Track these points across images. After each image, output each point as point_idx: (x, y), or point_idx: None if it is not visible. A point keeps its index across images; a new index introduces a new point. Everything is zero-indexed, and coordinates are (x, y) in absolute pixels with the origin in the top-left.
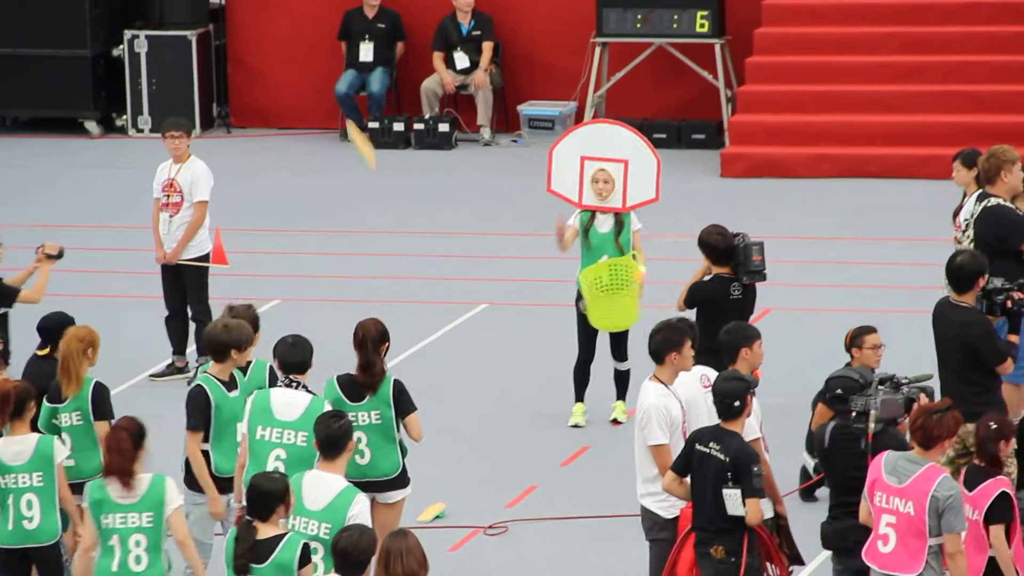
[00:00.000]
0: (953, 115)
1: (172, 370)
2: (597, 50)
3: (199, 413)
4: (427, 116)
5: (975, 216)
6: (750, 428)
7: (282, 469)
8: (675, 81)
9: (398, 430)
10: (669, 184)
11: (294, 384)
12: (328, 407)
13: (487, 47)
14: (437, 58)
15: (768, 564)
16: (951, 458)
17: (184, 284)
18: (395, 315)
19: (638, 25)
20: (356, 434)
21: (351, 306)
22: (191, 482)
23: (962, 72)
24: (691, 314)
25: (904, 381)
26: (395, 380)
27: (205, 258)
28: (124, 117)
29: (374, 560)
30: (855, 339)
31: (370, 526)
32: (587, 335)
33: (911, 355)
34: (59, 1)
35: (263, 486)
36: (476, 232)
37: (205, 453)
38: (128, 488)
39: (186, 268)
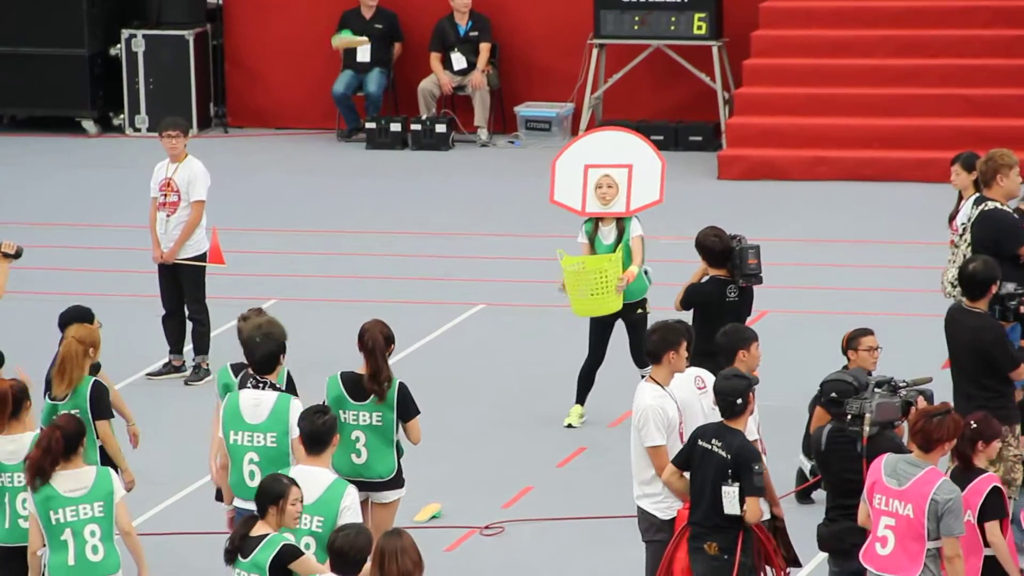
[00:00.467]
0: (950, 119)
1: (169, 369)
2: (594, 52)
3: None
4: (424, 117)
5: (972, 220)
6: (748, 430)
7: (256, 472)
8: (672, 83)
9: (397, 432)
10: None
11: (261, 384)
12: (295, 403)
13: (484, 48)
14: (434, 59)
15: (765, 566)
16: None
17: (181, 283)
18: (391, 315)
19: (636, 27)
20: (355, 433)
21: (348, 306)
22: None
23: (959, 75)
24: (687, 316)
25: (902, 384)
26: (400, 384)
27: (202, 257)
28: (121, 116)
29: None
30: (851, 341)
31: (360, 520)
32: (600, 338)
33: (908, 358)
34: (57, 0)
35: (263, 485)
36: (473, 233)
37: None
38: (33, 487)
39: (183, 267)
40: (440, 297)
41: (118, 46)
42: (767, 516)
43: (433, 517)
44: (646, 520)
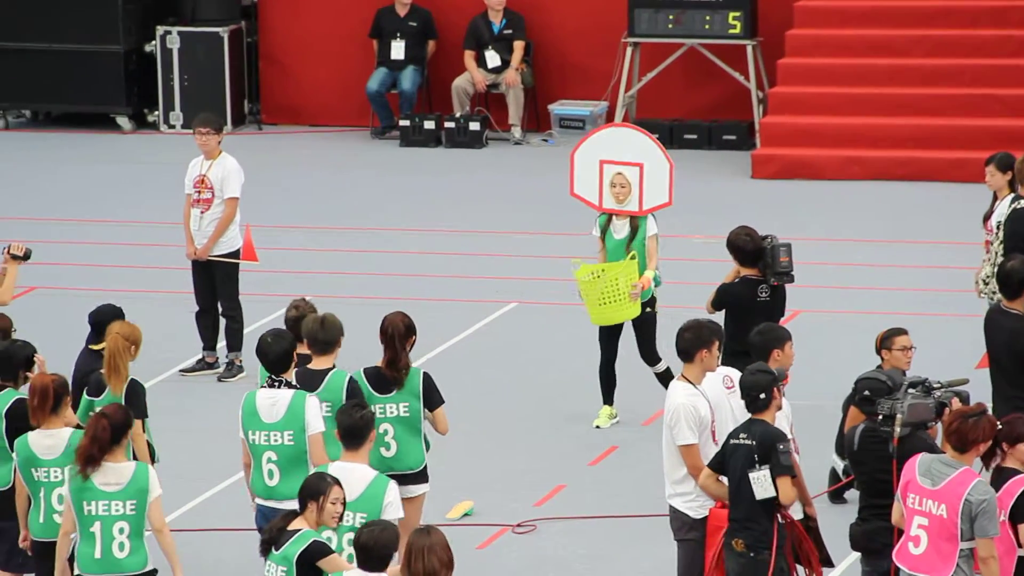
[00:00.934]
0: (984, 119)
1: (202, 366)
2: (628, 50)
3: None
4: (458, 115)
5: (1005, 218)
6: (779, 427)
7: (275, 471)
8: (706, 82)
9: (423, 423)
10: (699, 185)
11: (277, 383)
12: (311, 401)
13: (518, 46)
14: (468, 57)
15: (798, 566)
16: None
17: (215, 280)
18: (425, 313)
19: (670, 26)
20: (383, 426)
21: (380, 303)
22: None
23: (993, 76)
24: (719, 317)
25: (936, 385)
26: (424, 373)
27: (235, 254)
28: (156, 113)
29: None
30: (885, 341)
31: (402, 515)
32: (608, 334)
33: (941, 358)
34: None
35: (306, 481)
36: (506, 231)
37: None
38: (85, 477)
39: (216, 264)
40: (473, 295)
41: (153, 43)
42: (799, 516)
43: (465, 515)
44: (678, 519)
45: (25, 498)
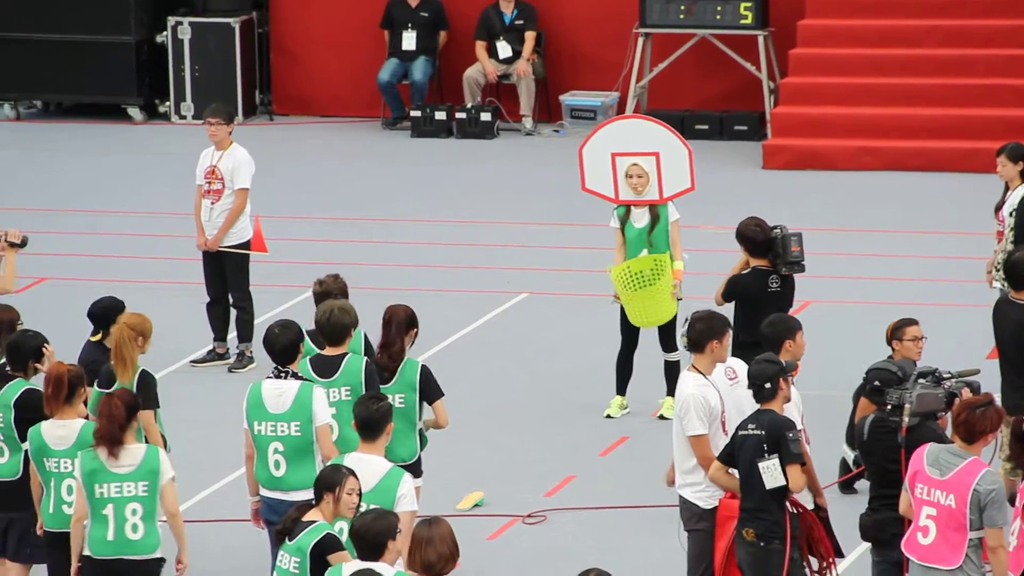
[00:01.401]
0: (997, 109)
1: (213, 356)
2: (640, 40)
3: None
4: (469, 105)
5: (1017, 205)
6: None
7: (282, 462)
8: (718, 72)
9: (420, 417)
10: (711, 175)
11: (283, 374)
12: (318, 392)
13: (530, 36)
14: (480, 47)
15: (810, 556)
16: (1008, 456)
17: (225, 271)
18: (436, 303)
19: (681, 16)
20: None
21: (391, 294)
22: None
23: (1006, 66)
24: (728, 308)
25: (946, 376)
26: (422, 366)
27: (246, 245)
28: (167, 103)
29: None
30: (896, 331)
31: (415, 507)
32: (630, 325)
33: (952, 348)
34: None
35: (322, 473)
36: (517, 222)
37: None
38: (115, 456)
39: (227, 255)
40: (484, 286)
41: (164, 33)
42: (810, 506)
43: (476, 505)
44: (688, 509)
45: (39, 487)
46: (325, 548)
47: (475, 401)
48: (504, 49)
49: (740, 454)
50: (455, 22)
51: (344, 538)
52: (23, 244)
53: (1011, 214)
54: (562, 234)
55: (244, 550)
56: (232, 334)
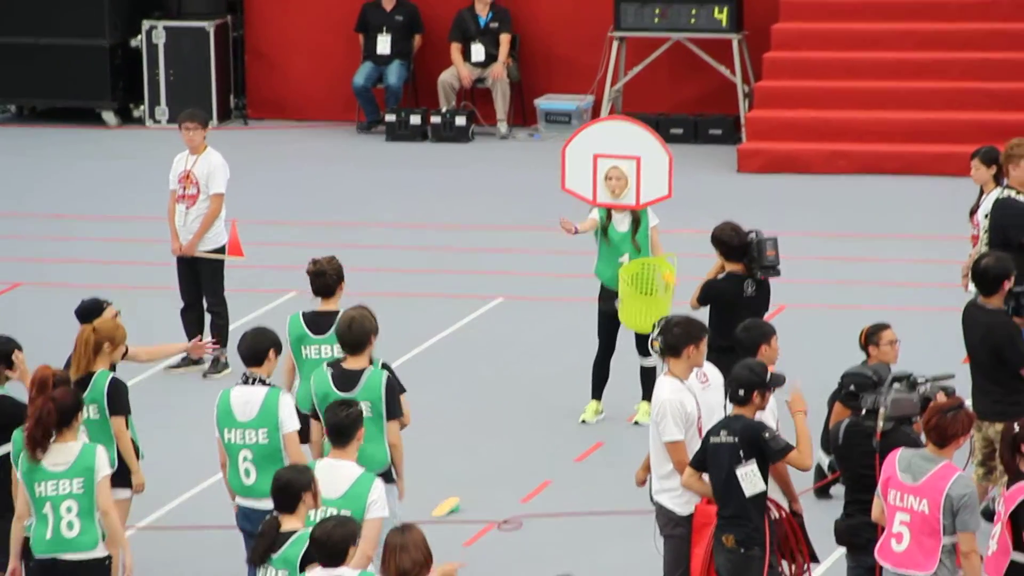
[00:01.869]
0: (971, 112)
1: (187, 362)
2: (614, 44)
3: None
4: (444, 109)
5: (991, 208)
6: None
7: (252, 470)
8: (692, 76)
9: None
10: (685, 179)
11: (251, 380)
12: (284, 398)
13: (504, 40)
14: (455, 49)
15: (783, 560)
16: (980, 460)
17: (200, 276)
18: (412, 307)
19: (656, 20)
20: None
21: (367, 299)
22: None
23: (981, 69)
24: (703, 312)
25: (921, 380)
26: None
27: (221, 250)
28: (142, 107)
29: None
30: (870, 337)
31: (387, 513)
32: (608, 329)
33: (928, 353)
34: None
35: (284, 477)
36: (492, 226)
37: None
38: (36, 458)
39: (202, 260)
40: (459, 290)
41: (139, 37)
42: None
43: (451, 511)
44: (664, 515)
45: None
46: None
47: (451, 406)
48: (479, 52)
49: (713, 461)
50: (430, 26)
51: None
52: None
53: (986, 217)
54: (537, 238)
55: (218, 557)
56: (207, 340)
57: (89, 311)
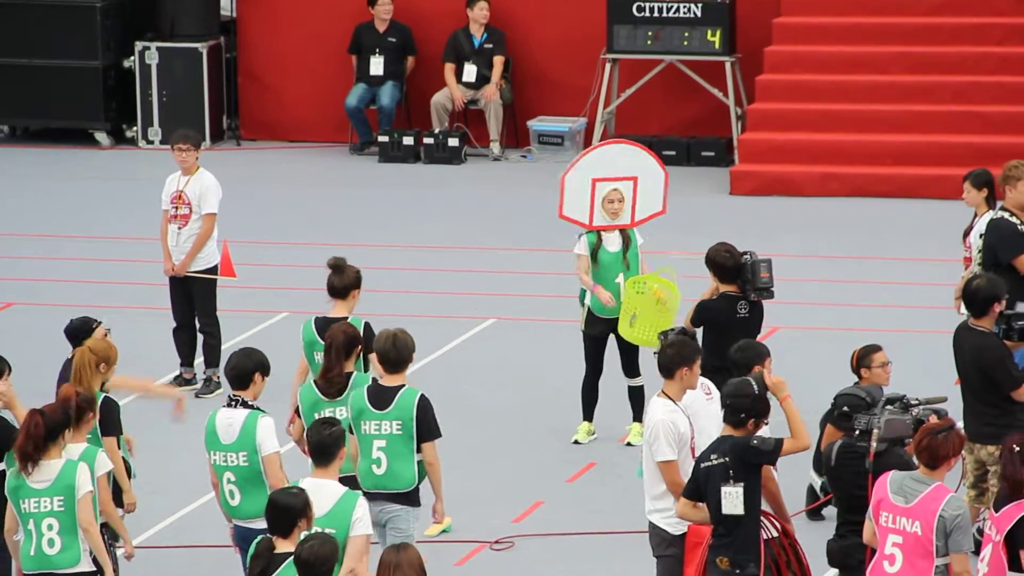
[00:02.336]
0: (963, 135)
1: (180, 382)
2: (608, 66)
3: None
4: (437, 130)
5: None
6: None
7: (235, 492)
8: (685, 98)
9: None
10: (678, 201)
11: (234, 402)
12: (264, 421)
13: (498, 61)
14: (448, 70)
15: None
16: (972, 483)
17: (192, 296)
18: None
19: (649, 42)
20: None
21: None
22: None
23: (973, 92)
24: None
25: (914, 402)
26: (374, 378)
27: (213, 270)
28: (134, 128)
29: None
30: (862, 359)
31: (371, 531)
32: (595, 353)
33: (921, 375)
34: (71, 12)
35: (281, 502)
36: (484, 247)
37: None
38: (26, 472)
39: (194, 280)
40: (452, 311)
41: (132, 58)
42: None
43: (443, 531)
44: (657, 535)
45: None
46: None
47: (443, 426)
48: (471, 73)
49: (708, 487)
50: (423, 47)
51: None
52: None
53: (980, 237)
54: (529, 259)
55: (211, 575)
56: (199, 359)
57: (78, 331)
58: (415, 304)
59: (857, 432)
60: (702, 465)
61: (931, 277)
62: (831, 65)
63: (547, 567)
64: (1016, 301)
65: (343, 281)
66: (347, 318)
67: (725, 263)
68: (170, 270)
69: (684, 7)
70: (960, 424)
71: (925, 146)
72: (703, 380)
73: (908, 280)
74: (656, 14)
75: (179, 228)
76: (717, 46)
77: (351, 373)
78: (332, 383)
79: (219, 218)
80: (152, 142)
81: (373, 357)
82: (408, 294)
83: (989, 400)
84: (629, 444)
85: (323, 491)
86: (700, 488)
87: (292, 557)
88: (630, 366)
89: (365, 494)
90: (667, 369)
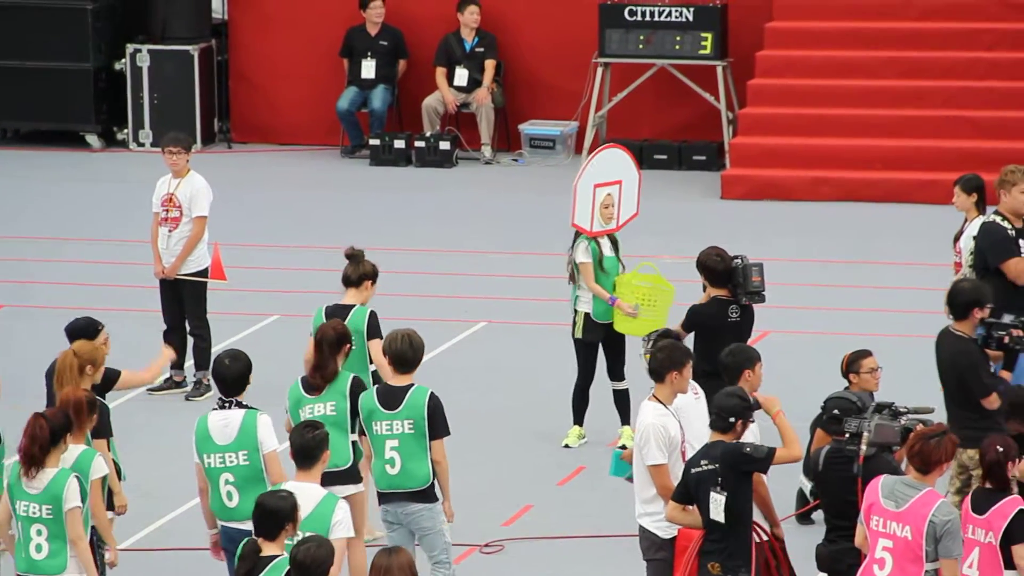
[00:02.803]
0: (953, 140)
1: (170, 384)
2: (599, 70)
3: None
4: (428, 134)
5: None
6: None
7: (234, 492)
8: (677, 102)
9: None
10: (669, 205)
11: (228, 404)
12: (263, 419)
13: (489, 65)
14: (439, 73)
15: None
16: (958, 488)
17: (182, 299)
18: None
19: (640, 46)
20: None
21: None
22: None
23: (963, 98)
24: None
25: (903, 410)
26: (353, 376)
27: (204, 273)
28: (125, 131)
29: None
30: (852, 364)
31: (352, 534)
32: (591, 359)
33: (908, 380)
34: (62, 14)
35: (270, 504)
36: (476, 251)
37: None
38: (28, 476)
39: (184, 283)
40: (443, 314)
41: (123, 61)
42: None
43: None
44: (647, 539)
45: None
46: None
47: None
48: (463, 77)
49: (699, 493)
50: (414, 51)
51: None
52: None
53: (972, 239)
54: (520, 263)
55: None
56: (189, 362)
57: (82, 332)
58: (406, 307)
59: (847, 435)
60: (692, 470)
61: (921, 282)
62: (822, 70)
63: (537, 570)
64: (1002, 310)
65: (357, 271)
66: (354, 306)
67: (716, 267)
68: (160, 273)
69: (676, 11)
70: None
71: (915, 151)
72: (693, 383)
73: (899, 284)
74: (648, 18)
75: (169, 231)
76: (709, 50)
77: (336, 371)
78: (318, 378)
79: (210, 221)
80: (143, 145)
81: (376, 350)
82: (399, 297)
83: (969, 404)
84: (623, 447)
85: (304, 494)
86: (690, 492)
87: (279, 559)
88: (616, 370)
89: (380, 495)
90: (657, 373)
